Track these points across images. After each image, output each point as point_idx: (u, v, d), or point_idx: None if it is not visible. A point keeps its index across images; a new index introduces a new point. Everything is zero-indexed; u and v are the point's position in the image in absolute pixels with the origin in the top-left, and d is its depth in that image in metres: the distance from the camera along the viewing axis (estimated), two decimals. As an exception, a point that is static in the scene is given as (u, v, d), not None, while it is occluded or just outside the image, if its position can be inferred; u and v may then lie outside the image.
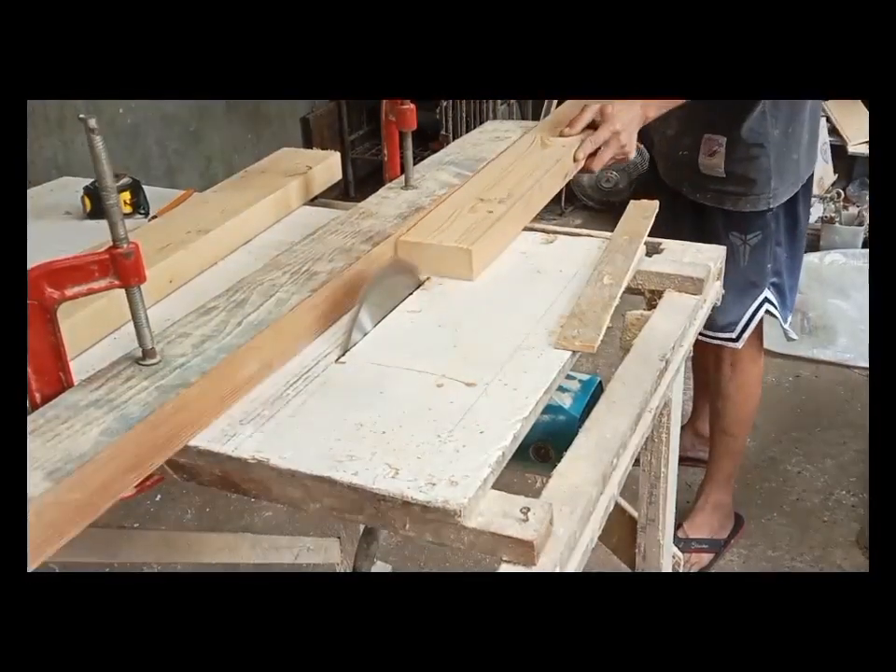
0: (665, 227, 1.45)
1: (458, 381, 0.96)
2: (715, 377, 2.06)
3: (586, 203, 3.99)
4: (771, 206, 1.81)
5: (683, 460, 1.84)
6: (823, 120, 3.63)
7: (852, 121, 3.61)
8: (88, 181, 1.49)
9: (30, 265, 0.82)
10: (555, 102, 3.40)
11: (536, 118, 3.76)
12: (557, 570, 0.80)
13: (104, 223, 0.84)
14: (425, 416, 0.90)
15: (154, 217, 1.46)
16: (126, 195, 1.47)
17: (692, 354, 1.74)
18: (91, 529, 0.78)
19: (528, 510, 0.79)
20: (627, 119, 1.47)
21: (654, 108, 1.53)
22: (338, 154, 1.58)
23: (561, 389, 1.23)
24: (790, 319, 2.00)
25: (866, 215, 3.37)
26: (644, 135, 1.63)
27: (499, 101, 4.00)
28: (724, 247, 1.33)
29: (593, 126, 1.50)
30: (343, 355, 1.02)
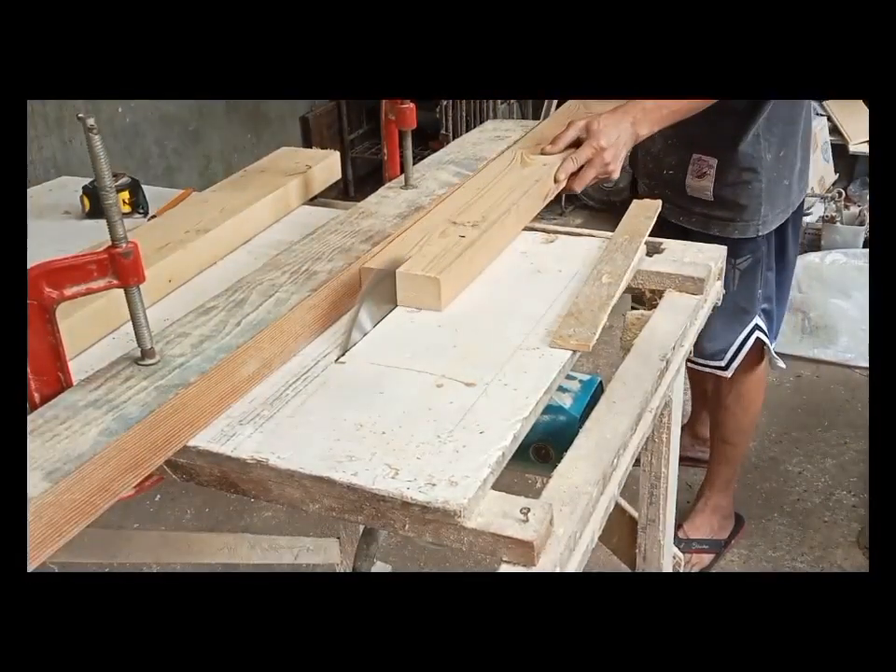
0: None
1: (458, 381, 0.96)
2: (714, 388, 2.03)
3: (587, 202, 3.98)
4: (760, 234, 1.75)
5: (682, 460, 1.83)
6: (824, 120, 3.63)
7: (853, 120, 3.61)
8: (87, 181, 1.48)
9: (29, 265, 0.82)
10: (555, 102, 3.39)
11: (536, 117, 3.76)
12: (557, 571, 0.80)
13: (102, 223, 0.84)
14: (424, 416, 0.90)
15: (153, 216, 1.46)
16: (125, 195, 1.46)
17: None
18: (91, 529, 0.78)
19: (528, 510, 0.79)
20: (614, 137, 1.38)
21: (647, 126, 1.43)
22: (337, 153, 1.58)
23: (561, 389, 1.22)
24: (773, 347, 1.93)
25: (867, 214, 3.36)
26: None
27: (499, 100, 4.00)
28: (725, 247, 1.32)
29: (577, 144, 1.41)
30: (343, 355, 1.02)
